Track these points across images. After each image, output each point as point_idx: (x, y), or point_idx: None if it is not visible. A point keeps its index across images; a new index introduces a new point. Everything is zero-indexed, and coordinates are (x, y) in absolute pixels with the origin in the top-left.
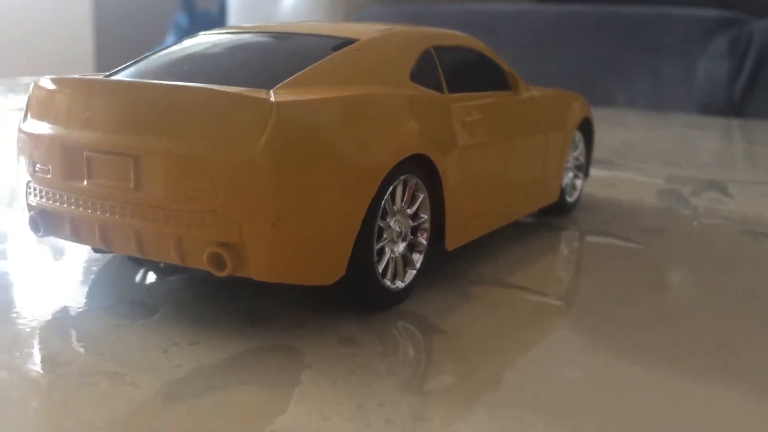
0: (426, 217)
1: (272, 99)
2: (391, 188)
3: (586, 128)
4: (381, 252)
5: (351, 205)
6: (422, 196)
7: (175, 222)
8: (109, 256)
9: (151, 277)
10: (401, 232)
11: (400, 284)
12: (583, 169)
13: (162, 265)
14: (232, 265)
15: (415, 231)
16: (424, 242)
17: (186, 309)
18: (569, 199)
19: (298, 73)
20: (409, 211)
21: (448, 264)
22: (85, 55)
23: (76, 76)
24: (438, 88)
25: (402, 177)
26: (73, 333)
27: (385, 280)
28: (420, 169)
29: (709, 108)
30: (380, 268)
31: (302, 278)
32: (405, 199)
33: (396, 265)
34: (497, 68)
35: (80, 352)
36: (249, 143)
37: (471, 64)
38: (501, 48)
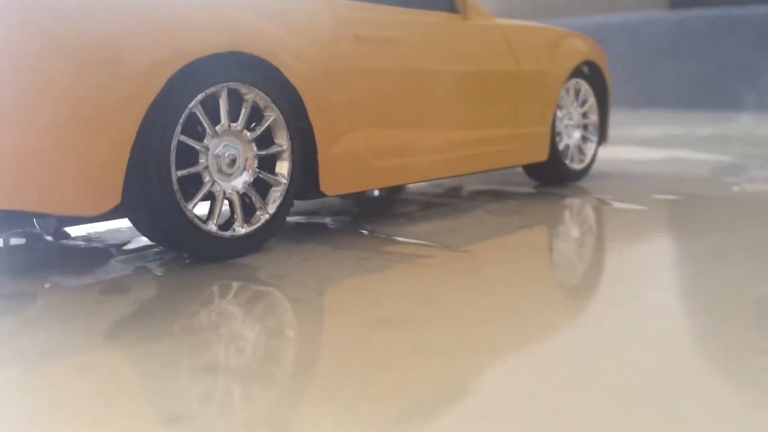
0: (284, 145)
1: None
2: (201, 96)
3: (596, 78)
4: (197, 183)
5: (114, 108)
6: (273, 116)
7: None
8: None
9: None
10: (235, 161)
11: (239, 230)
12: (594, 130)
13: None
14: None
15: (269, 164)
16: (284, 180)
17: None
18: (574, 165)
19: None
20: (249, 135)
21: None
22: None
23: None
24: None
25: (224, 84)
26: None
27: (209, 223)
28: (272, 82)
29: None
30: (192, 205)
31: (52, 206)
32: (242, 118)
33: (232, 205)
34: None
35: None
36: None
37: None
38: (612, 59)
